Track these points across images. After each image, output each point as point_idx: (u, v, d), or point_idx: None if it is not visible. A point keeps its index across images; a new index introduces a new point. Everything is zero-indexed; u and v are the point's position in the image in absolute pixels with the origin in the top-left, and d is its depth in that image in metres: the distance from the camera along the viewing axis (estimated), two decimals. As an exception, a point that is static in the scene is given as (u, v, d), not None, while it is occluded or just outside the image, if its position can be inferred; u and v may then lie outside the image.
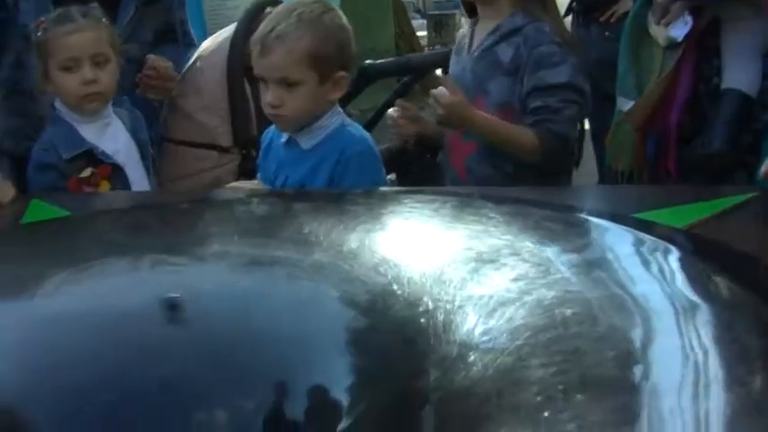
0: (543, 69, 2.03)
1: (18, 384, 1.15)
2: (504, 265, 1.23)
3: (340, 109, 1.86)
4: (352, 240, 1.33)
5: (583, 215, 1.51)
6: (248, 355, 1.22)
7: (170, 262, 1.36)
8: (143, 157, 2.19)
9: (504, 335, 1.05)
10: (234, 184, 2.09)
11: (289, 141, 1.87)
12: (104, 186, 2.09)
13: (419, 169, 2.43)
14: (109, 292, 1.28)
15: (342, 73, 1.81)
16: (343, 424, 1.10)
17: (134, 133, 2.18)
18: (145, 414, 1.15)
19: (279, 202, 1.71)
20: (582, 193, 2.04)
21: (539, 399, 0.92)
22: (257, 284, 1.32)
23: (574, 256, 1.25)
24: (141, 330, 1.21)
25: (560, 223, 1.42)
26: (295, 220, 1.48)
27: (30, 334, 1.19)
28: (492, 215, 1.41)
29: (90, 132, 2.10)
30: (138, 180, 2.16)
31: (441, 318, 1.12)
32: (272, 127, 1.92)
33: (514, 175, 2.06)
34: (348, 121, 1.87)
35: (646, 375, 0.95)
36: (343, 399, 1.14)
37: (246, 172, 2.28)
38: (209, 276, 1.34)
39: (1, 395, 1.14)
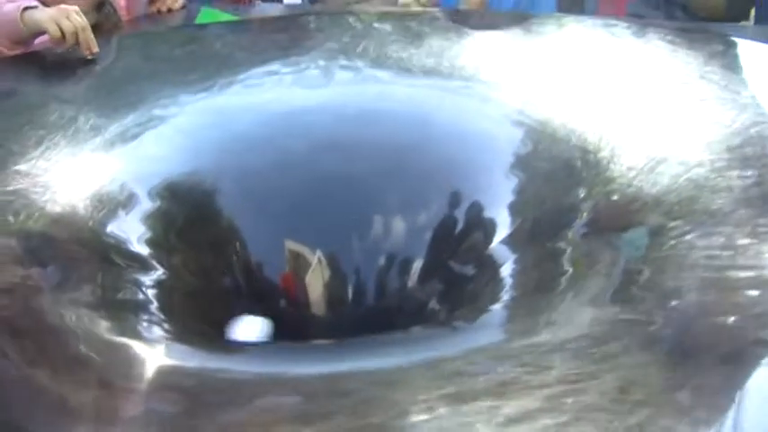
0: None
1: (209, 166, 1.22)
2: (688, 86, 1.21)
3: None
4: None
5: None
6: (415, 163, 1.24)
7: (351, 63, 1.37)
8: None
9: (695, 150, 1.03)
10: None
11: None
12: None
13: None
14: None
15: None
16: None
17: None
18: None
19: (448, 19, 1.68)
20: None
21: (733, 206, 0.92)
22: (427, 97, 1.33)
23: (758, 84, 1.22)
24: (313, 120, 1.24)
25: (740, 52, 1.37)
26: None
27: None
28: (676, 41, 1.37)
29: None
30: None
31: (625, 133, 1.12)
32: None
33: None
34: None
35: None
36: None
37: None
38: (382, 82, 1.35)
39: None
